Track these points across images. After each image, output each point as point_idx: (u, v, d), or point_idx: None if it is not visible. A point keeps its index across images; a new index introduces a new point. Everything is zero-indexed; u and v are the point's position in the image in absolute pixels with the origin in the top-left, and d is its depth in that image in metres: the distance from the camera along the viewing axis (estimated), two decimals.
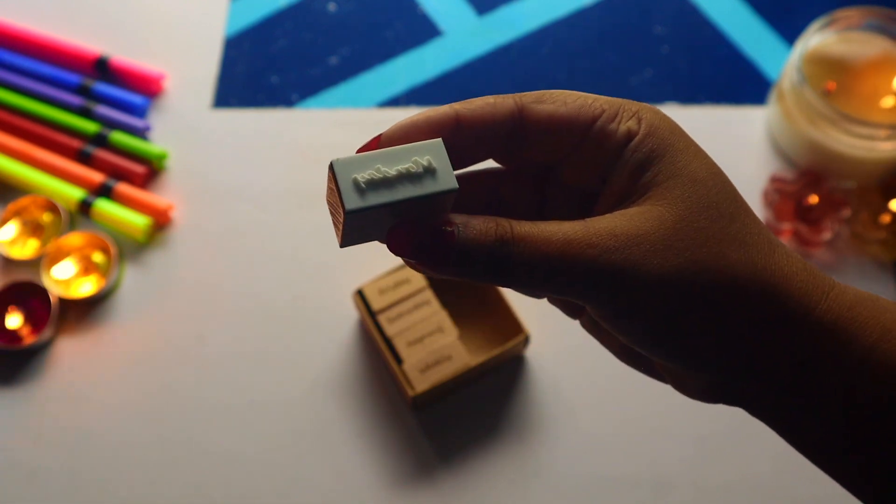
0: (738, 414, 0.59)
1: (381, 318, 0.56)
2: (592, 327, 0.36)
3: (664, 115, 0.30)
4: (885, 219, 0.62)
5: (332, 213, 0.30)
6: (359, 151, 0.29)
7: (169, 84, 0.70)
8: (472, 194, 0.33)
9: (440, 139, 0.29)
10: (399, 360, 0.55)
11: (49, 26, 0.71)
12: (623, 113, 0.30)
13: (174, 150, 0.67)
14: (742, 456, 0.56)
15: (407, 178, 0.28)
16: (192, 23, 0.73)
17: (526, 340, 0.56)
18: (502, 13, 0.73)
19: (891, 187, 0.63)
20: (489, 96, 0.31)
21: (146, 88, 0.69)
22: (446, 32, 0.72)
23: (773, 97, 0.66)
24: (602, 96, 0.31)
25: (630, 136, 0.29)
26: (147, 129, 0.67)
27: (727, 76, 0.70)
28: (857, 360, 0.29)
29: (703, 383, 0.31)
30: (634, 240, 0.28)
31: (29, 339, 0.59)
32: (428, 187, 0.28)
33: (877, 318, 0.29)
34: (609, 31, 0.72)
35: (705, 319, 0.28)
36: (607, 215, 0.29)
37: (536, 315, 0.59)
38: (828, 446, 0.31)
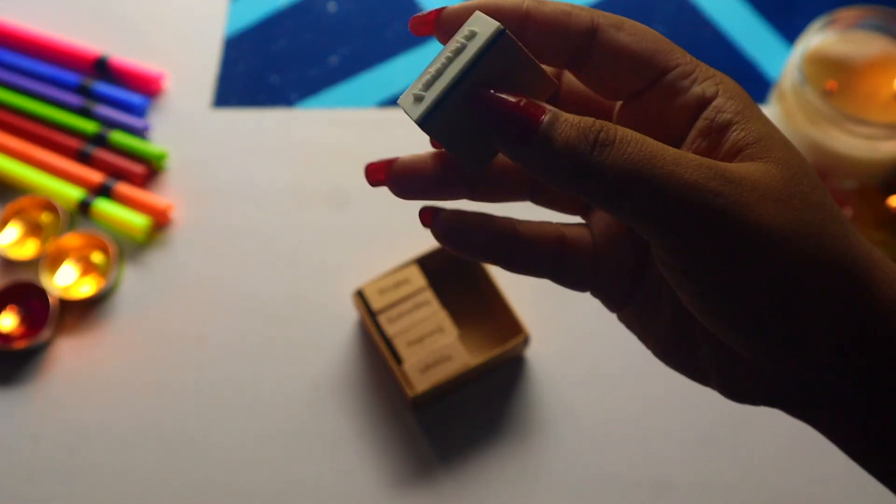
0: (738, 414, 0.59)
1: (381, 318, 0.56)
2: (634, 320, 0.33)
3: (741, 88, 0.28)
4: (886, 219, 0.62)
5: (417, 90, 0.28)
6: (414, 20, 0.29)
7: (169, 84, 0.70)
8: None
9: (478, 11, 0.27)
10: (399, 360, 0.55)
11: (49, 26, 0.71)
12: (699, 73, 0.28)
13: (174, 150, 0.67)
14: (742, 456, 0.56)
15: (455, 57, 0.26)
16: (192, 23, 0.73)
17: (526, 340, 0.56)
18: None
19: (891, 187, 0.63)
20: (567, 3, 0.28)
21: (146, 88, 0.69)
22: None
23: (773, 97, 0.66)
24: (682, 49, 0.28)
25: (704, 99, 0.27)
26: (147, 128, 0.67)
27: (727, 76, 0.70)
28: None
29: (758, 374, 0.28)
30: (749, 182, 0.25)
31: (27, 339, 0.59)
32: (474, 47, 0.26)
33: None
34: None
35: (798, 285, 0.25)
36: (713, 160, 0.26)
37: (536, 315, 0.59)
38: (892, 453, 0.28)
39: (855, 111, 0.61)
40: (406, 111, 0.26)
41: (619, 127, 0.26)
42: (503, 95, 0.26)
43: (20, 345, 0.59)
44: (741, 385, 0.29)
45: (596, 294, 0.34)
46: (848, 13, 0.64)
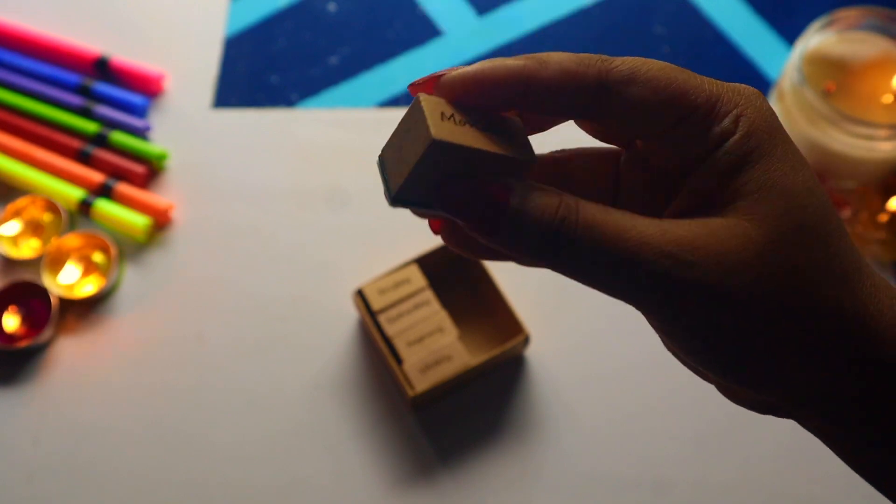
0: (738, 414, 0.59)
1: (381, 318, 0.56)
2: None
3: (767, 112, 0.27)
4: (885, 219, 0.62)
5: (387, 167, 0.28)
6: (413, 85, 0.28)
7: (169, 84, 0.70)
8: (539, 164, 0.29)
9: (422, 97, 0.27)
10: (399, 360, 0.55)
11: (49, 26, 0.71)
12: (721, 108, 0.26)
13: (174, 150, 0.67)
14: (742, 456, 0.56)
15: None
16: (192, 23, 0.73)
17: (526, 340, 0.56)
18: (502, 13, 0.73)
19: (891, 187, 0.63)
20: (570, 58, 0.27)
21: (146, 88, 0.69)
22: (446, 32, 0.72)
23: (773, 97, 0.66)
24: (701, 82, 0.27)
25: (724, 136, 0.26)
26: (147, 128, 0.67)
27: (727, 76, 0.69)
28: None
29: (759, 400, 0.29)
30: (715, 257, 0.25)
31: (28, 339, 0.59)
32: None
33: None
34: (609, 31, 0.72)
35: (777, 350, 0.26)
36: (686, 221, 0.26)
37: (536, 315, 0.59)
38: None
39: (854, 111, 0.61)
40: (428, 118, 0.26)
41: (581, 205, 0.25)
42: (462, 187, 0.26)
43: (21, 344, 0.59)
44: (739, 398, 0.29)
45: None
46: (847, 13, 0.64)
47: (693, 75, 0.27)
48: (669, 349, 0.30)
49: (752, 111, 0.27)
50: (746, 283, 0.25)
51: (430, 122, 0.26)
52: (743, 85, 0.28)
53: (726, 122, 0.26)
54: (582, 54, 0.27)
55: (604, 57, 0.27)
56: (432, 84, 0.28)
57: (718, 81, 0.27)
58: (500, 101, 0.27)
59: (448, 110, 0.26)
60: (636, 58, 0.27)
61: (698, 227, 0.25)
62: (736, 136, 0.26)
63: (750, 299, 0.25)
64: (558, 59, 0.27)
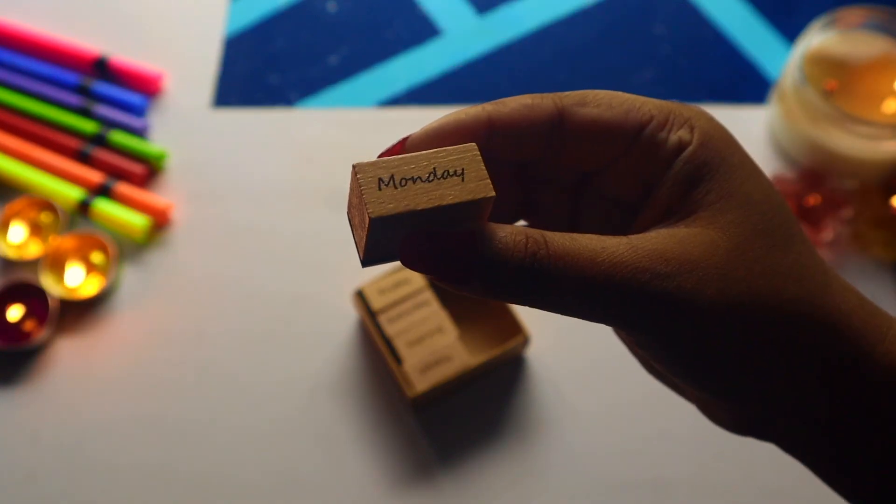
0: None
1: (381, 319, 0.56)
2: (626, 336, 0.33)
3: (718, 125, 0.28)
4: (887, 219, 0.62)
5: (353, 227, 0.28)
6: (381, 156, 0.27)
7: (168, 84, 0.70)
8: (501, 197, 0.28)
9: (474, 144, 0.26)
10: (399, 361, 0.55)
11: (48, 26, 0.71)
12: (674, 120, 0.27)
13: (174, 150, 0.67)
14: (742, 456, 0.56)
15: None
16: (192, 22, 0.73)
17: (526, 341, 0.56)
18: (502, 13, 0.73)
19: (892, 187, 0.63)
20: (526, 96, 0.28)
21: (145, 88, 0.69)
22: (446, 32, 0.72)
23: (773, 97, 0.66)
24: (650, 99, 0.28)
25: (681, 146, 0.27)
26: (146, 128, 0.67)
27: (728, 76, 0.70)
28: None
29: (734, 415, 0.29)
30: (686, 266, 0.25)
31: (28, 339, 0.59)
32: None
33: None
34: (609, 31, 0.72)
35: (755, 355, 0.26)
36: (652, 233, 0.26)
37: (536, 315, 0.59)
38: (870, 493, 0.28)
39: (855, 111, 0.61)
40: (364, 194, 0.26)
41: (546, 237, 0.25)
42: (425, 241, 0.25)
43: (20, 345, 0.59)
44: (719, 417, 0.30)
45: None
46: (848, 13, 0.63)
47: (641, 97, 0.28)
48: (646, 367, 0.30)
49: (705, 122, 0.27)
50: (720, 289, 0.25)
51: (366, 198, 0.25)
52: (690, 104, 0.28)
53: (682, 131, 0.27)
54: (537, 94, 0.28)
55: (558, 93, 0.28)
56: (399, 148, 0.28)
57: (675, 105, 0.28)
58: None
59: (387, 172, 0.25)
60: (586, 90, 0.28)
61: (666, 237, 0.26)
62: (692, 146, 0.27)
63: (724, 304, 0.25)
64: (516, 98, 0.28)
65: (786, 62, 0.66)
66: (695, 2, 0.73)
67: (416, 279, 0.57)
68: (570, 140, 0.28)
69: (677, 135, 0.27)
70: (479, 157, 0.26)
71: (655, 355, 0.27)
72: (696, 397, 0.30)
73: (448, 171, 0.26)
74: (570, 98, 0.28)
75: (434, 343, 0.55)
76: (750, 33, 0.72)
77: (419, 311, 0.56)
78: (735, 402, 0.27)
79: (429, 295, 0.56)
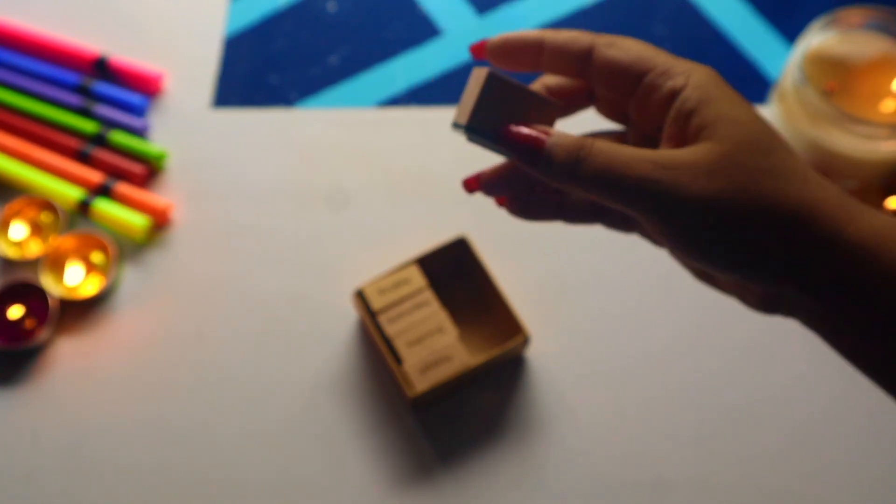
0: (737, 416, 0.59)
1: (381, 318, 0.56)
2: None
3: (712, 74, 0.35)
4: None
5: (458, 114, 0.37)
6: (472, 47, 0.38)
7: (168, 84, 0.70)
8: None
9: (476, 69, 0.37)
10: (399, 361, 0.55)
11: (48, 26, 0.71)
12: (673, 70, 0.35)
13: (173, 150, 0.67)
14: (742, 457, 0.56)
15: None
16: (192, 22, 0.73)
17: (526, 341, 0.56)
18: (502, 13, 0.73)
19: (892, 187, 0.63)
20: (575, 31, 0.37)
21: (145, 88, 0.69)
22: (446, 32, 0.72)
23: (773, 97, 0.66)
24: (663, 53, 0.35)
25: (675, 91, 0.34)
26: (146, 128, 0.67)
27: (727, 76, 0.69)
28: (880, 275, 0.32)
29: (757, 296, 0.35)
30: (684, 165, 0.33)
31: (28, 339, 0.59)
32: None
33: None
34: (609, 31, 0.72)
35: (741, 236, 0.33)
36: (667, 150, 0.34)
37: (536, 315, 0.59)
38: (872, 355, 0.34)
39: (855, 111, 0.61)
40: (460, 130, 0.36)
41: (594, 143, 0.34)
42: (515, 130, 0.35)
43: (20, 345, 0.59)
44: (748, 298, 0.36)
45: (609, 225, 0.41)
46: (848, 13, 0.63)
47: (659, 51, 0.36)
48: (673, 254, 0.37)
49: (700, 71, 0.35)
50: (709, 181, 0.32)
51: (488, 70, 0.35)
52: (700, 63, 0.35)
53: (679, 78, 0.34)
54: (585, 31, 0.37)
55: (598, 33, 0.37)
56: (482, 45, 0.38)
57: (680, 60, 0.35)
58: (525, 56, 0.37)
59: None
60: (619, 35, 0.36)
61: (675, 151, 0.34)
62: (685, 92, 0.34)
63: (711, 191, 0.32)
64: (567, 30, 0.37)
65: (786, 62, 0.66)
66: (695, 2, 0.73)
67: (417, 279, 0.57)
68: (595, 72, 0.36)
69: (672, 83, 0.34)
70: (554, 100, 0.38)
71: (673, 241, 0.34)
72: (728, 286, 0.37)
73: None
74: (602, 39, 0.36)
75: (434, 343, 0.55)
76: (750, 33, 0.72)
77: (419, 311, 0.56)
78: (747, 278, 0.34)
79: (429, 295, 0.56)
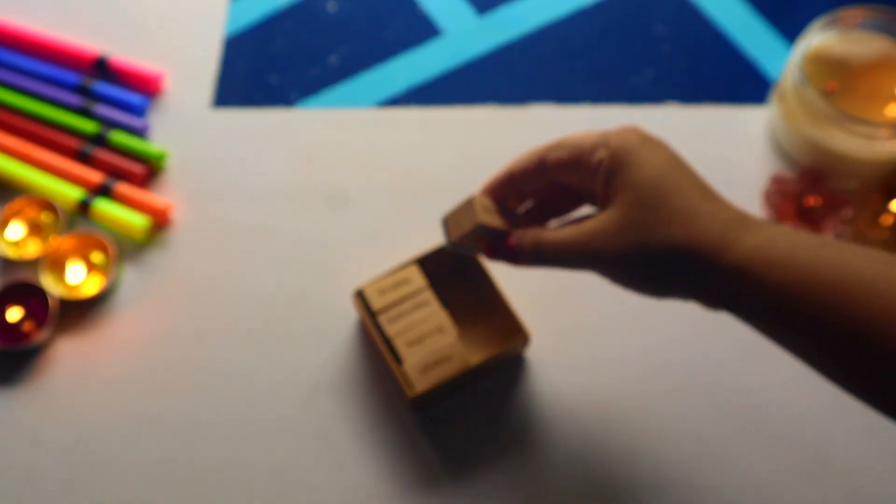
0: (737, 415, 0.59)
1: (381, 318, 0.56)
2: None
3: (629, 138, 0.43)
4: (887, 219, 0.62)
5: (448, 223, 0.49)
6: (486, 188, 0.49)
7: (168, 83, 0.70)
8: (540, 201, 0.50)
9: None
10: (399, 360, 0.55)
11: (48, 26, 0.71)
12: (598, 146, 0.44)
13: (173, 150, 0.67)
14: (741, 458, 0.56)
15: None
16: (192, 22, 0.73)
17: (526, 341, 0.56)
18: (502, 13, 0.73)
19: (892, 187, 0.63)
20: (528, 151, 0.47)
21: (145, 88, 0.69)
22: (446, 32, 0.72)
23: (773, 97, 0.66)
24: (593, 134, 0.44)
25: (600, 163, 0.43)
26: (146, 128, 0.67)
27: (728, 76, 0.70)
28: (747, 289, 0.40)
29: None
30: (601, 234, 0.43)
31: (28, 339, 0.59)
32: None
33: (766, 248, 0.40)
34: (609, 31, 0.72)
35: (651, 275, 0.43)
36: (591, 220, 0.44)
37: (536, 315, 0.59)
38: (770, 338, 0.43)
39: (855, 111, 0.61)
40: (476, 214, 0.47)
41: (544, 235, 0.45)
42: (495, 248, 0.48)
43: (20, 345, 0.59)
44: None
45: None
46: (848, 13, 0.63)
47: (588, 134, 0.45)
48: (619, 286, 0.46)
49: (616, 141, 0.43)
50: (618, 243, 0.42)
51: (477, 212, 0.46)
52: (625, 127, 0.44)
53: (600, 152, 0.44)
54: (533, 150, 0.47)
55: (542, 146, 0.47)
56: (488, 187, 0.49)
57: (610, 131, 0.44)
58: (509, 190, 0.48)
59: (487, 203, 0.47)
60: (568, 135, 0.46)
61: (594, 221, 0.44)
62: (605, 161, 0.43)
63: (622, 250, 0.42)
64: (522, 155, 0.47)
65: (786, 62, 0.66)
66: (695, 2, 0.73)
67: (417, 279, 0.57)
68: (552, 173, 0.46)
69: (598, 156, 0.44)
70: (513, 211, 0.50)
71: (615, 282, 0.44)
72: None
73: (504, 211, 0.49)
74: (550, 144, 0.46)
75: (434, 343, 0.55)
76: (750, 33, 0.72)
77: (419, 311, 0.56)
78: (669, 298, 0.44)
79: (429, 295, 0.56)
